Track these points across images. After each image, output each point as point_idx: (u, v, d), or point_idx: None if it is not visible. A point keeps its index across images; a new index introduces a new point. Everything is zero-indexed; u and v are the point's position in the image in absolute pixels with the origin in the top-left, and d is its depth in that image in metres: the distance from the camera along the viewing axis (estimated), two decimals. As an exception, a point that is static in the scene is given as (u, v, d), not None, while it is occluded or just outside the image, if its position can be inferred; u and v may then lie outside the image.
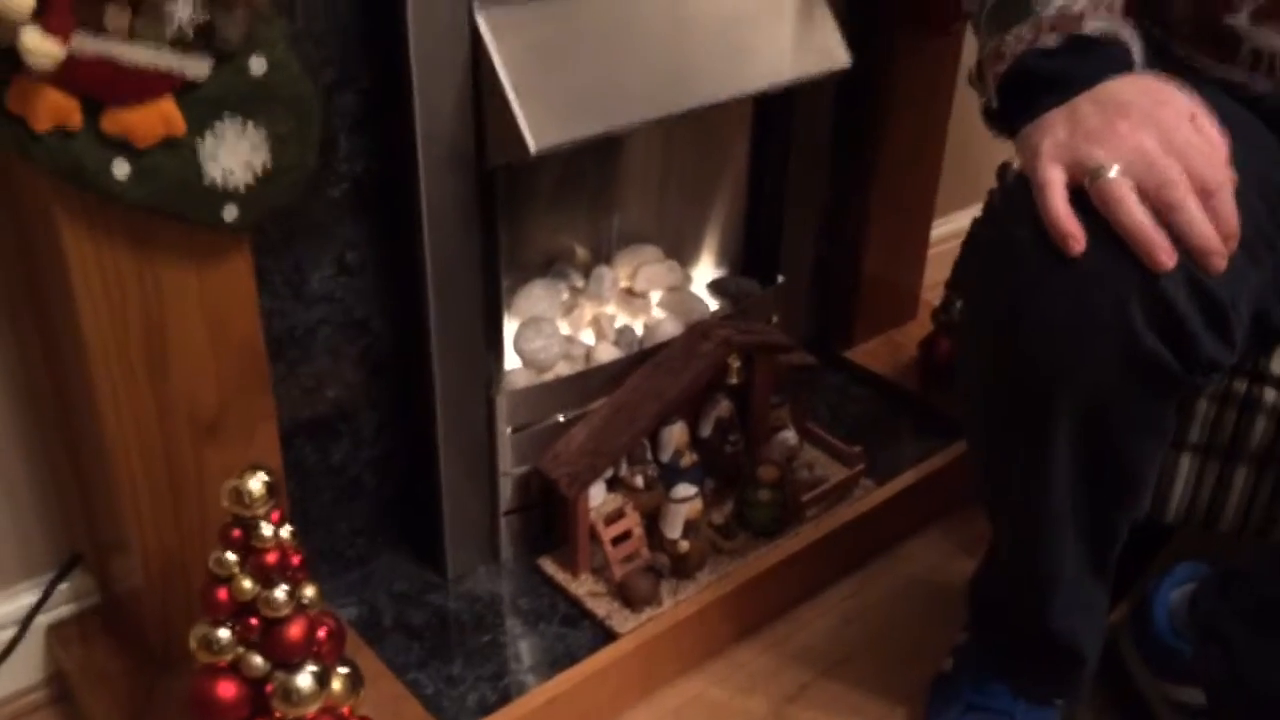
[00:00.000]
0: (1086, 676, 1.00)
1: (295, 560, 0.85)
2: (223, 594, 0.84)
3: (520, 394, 1.11)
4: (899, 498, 1.26)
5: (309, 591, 0.86)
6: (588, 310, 1.21)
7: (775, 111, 1.23)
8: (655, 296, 1.25)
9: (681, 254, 1.30)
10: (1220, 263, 0.72)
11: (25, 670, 1.07)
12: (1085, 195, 0.74)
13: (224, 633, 0.84)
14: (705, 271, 1.32)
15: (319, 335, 1.03)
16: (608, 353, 1.16)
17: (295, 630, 0.85)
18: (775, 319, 1.30)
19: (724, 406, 1.20)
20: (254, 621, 0.85)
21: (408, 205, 0.97)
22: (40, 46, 0.69)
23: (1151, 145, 0.72)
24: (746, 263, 1.32)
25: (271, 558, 0.84)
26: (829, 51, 1.12)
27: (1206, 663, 0.97)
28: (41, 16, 0.69)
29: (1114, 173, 0.72)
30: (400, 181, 0.97)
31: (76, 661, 1.05)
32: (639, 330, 1.21)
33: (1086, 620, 0.96)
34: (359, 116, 0.95)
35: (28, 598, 1.06)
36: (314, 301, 1.01)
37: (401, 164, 0.96)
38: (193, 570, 0.98)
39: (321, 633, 0.88)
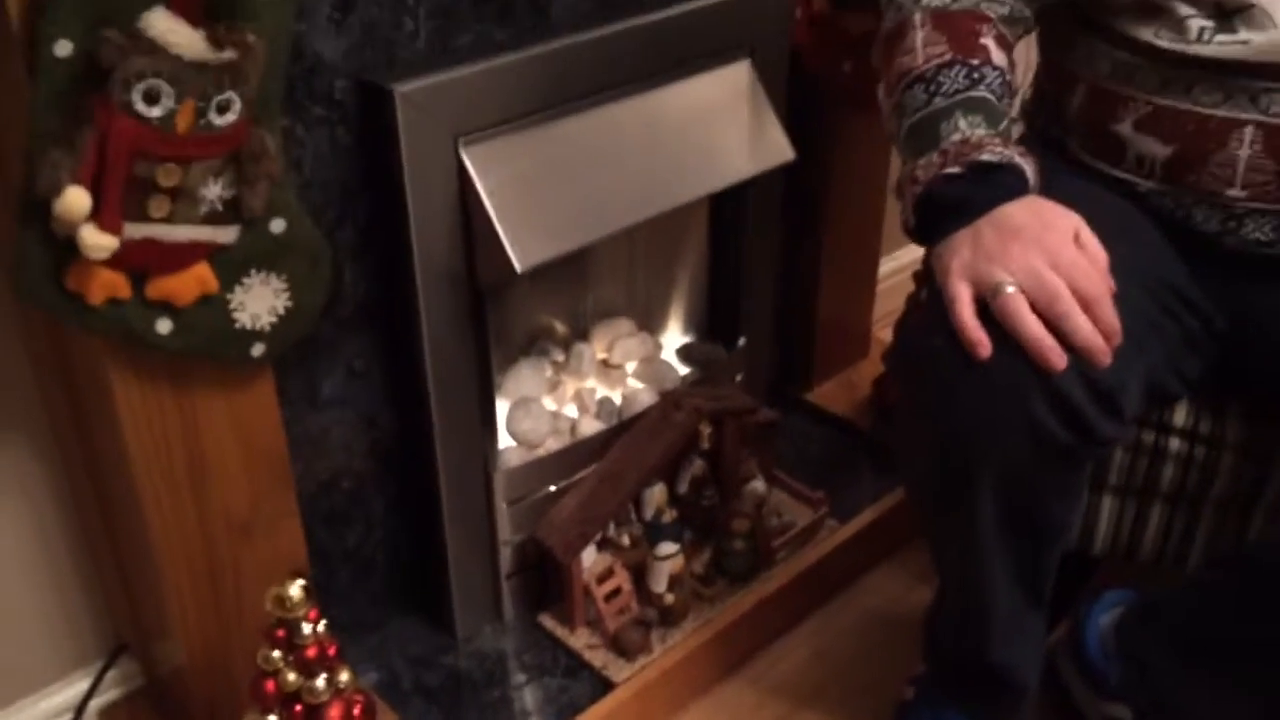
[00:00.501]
0: (1028, 701, 1.14)
1: (331, 651, 0.97)
2: (270, 685, 0.96)
3: (514, 470, 1.23)
4: (860, 535, 1.39)
5: (344, 676, 0.98)
6: (570, 385, 1.33)
7: (730, 191, 1.35)
8: (630, 367, 1.37)
9: (651, 324, 1.42)
10: (1104, 359, 0.85)
11: (80, 749, 1.19)
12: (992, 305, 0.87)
13: (272, 719, 0.96)
14: (674, 339, 1.44)
15: (332, 435, 1.14)
16: (591, 425, 1.29)
17: (335, 713, 0.97)
18: (740, 377, 1.43)
19: (698, 466, 1.33)
20: (298, 708, 0.96)
21: (407, 319, 1.09)
22: (97, 241, 0.80)
23: (1041, 265, 0.85)
24: (711, 328, 1.44)
25: (312, 652, 0.95)
26: (776, 147, 1.25)
27: (1130, 683, 1.11)
28: (96, 215, 0.80)
29: (1011, 289, 0.85)
30: (400, 299, 1.08)
31: (129, 738, 1.17)
32: (618, 400, 1.33)
33: (1024, 651, 1.09)
34: (358, 247, 1.06)
35: (80, 685, 1.17)
36: (326, 406, 1.12)
37: (400, 285, 1.07)
38: (232, 654, 1.09)
39: (356, 710, 1.00)
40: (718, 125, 1.20)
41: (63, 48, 0.76)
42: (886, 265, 1.76)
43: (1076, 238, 0.88)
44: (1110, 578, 1.25)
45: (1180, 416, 1.10)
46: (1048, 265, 0.85)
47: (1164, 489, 1.13)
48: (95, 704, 1.18)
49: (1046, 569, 1.04)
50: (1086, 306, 0.85)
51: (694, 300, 1.43)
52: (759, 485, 1.38)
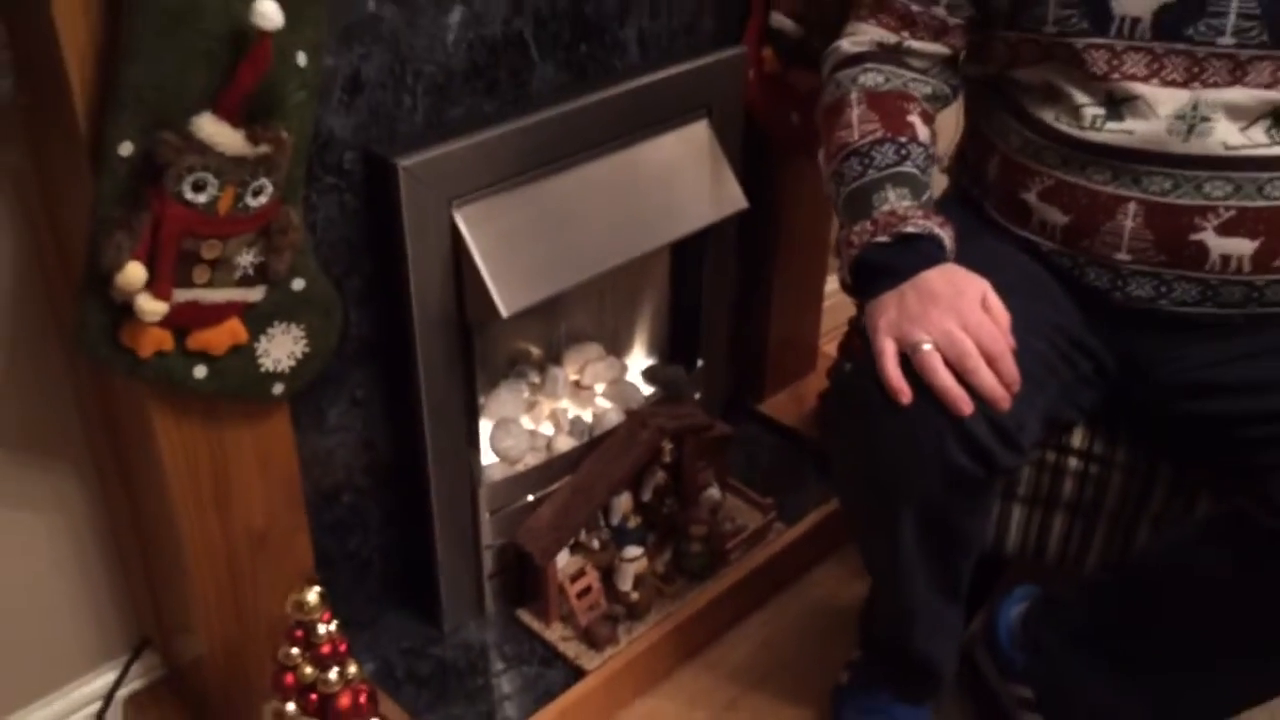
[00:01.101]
0: (946, 683, 1.31)
1: (342, 648, 1.12)
2: (289, 678, 1.10)
3: (496, 484, 1.38)
4: (805, 537, 1.56)
5: (352, 669, 1.13)
6: (545, 406, 1.48)
7: (689, 230, 1.50)
8: (599, 388, 1.52)
9: (619, 349, 1.58)
10: (1004, 405, 1.02)
11: (109, 733, 1.33)
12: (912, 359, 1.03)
13: (291, 706, 1.11)
14: (639, 361, 1.59)
15: (336, 455, 1.29)
16: (564, 442, 1.44)
17: (344, 700, 1.12)
18: (698, 395, 1.58)
19: (660, 477, 1.48)
20: (314, 697, 1.11)
21: (404, 355, 1.24)
22: (152, 308, 0.94)
23: (953, 326, 1.01)
24: (672, 351, 1.60)
25: (325, 649, 1.10)
26: (731, 197, 1.40)
27: (1032, 667, 1.28)
28: (151, 285, 0.94)
29: (928, 347, 1.01)
30: (398, 338, 1.23)
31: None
32: (588, 419, 1.49)
33: (943, 644, 1.26)
34: (363, 295, 1.20)
35: (108, 675, 1.31)
36: (332, 431, 1.27)
37: (399, 326, 1.22)
38: (247, 647, 1.24)
39: (362, 699, 1.15)
40: (680, 179, 1.35)
41: (125, 148, 0.90)
42: (831, 284, 1.92)
43: (984, 301, 1.04)
44: (1021, 576, 1.42)
45: (1078, 439, 1.26)
46: (959, 326, 1.01)
47: (1064, 500, 1.30)
48: (122, 693, 1.32)
49: (961, 574, 1.21)
50: (990, 361, 1.02)
51: (657, 326, 1.59)
52: (714, 493, 1.54)
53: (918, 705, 1.32)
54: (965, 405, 1.00)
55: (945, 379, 1.01)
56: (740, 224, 1.54)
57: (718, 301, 1.57)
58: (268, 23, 0.88)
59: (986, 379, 1.01)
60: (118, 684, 1.31)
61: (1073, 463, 1.27)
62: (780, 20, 1.43)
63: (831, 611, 1.52)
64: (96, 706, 1.31)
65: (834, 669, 1.40)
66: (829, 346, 1.88)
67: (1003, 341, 1.02)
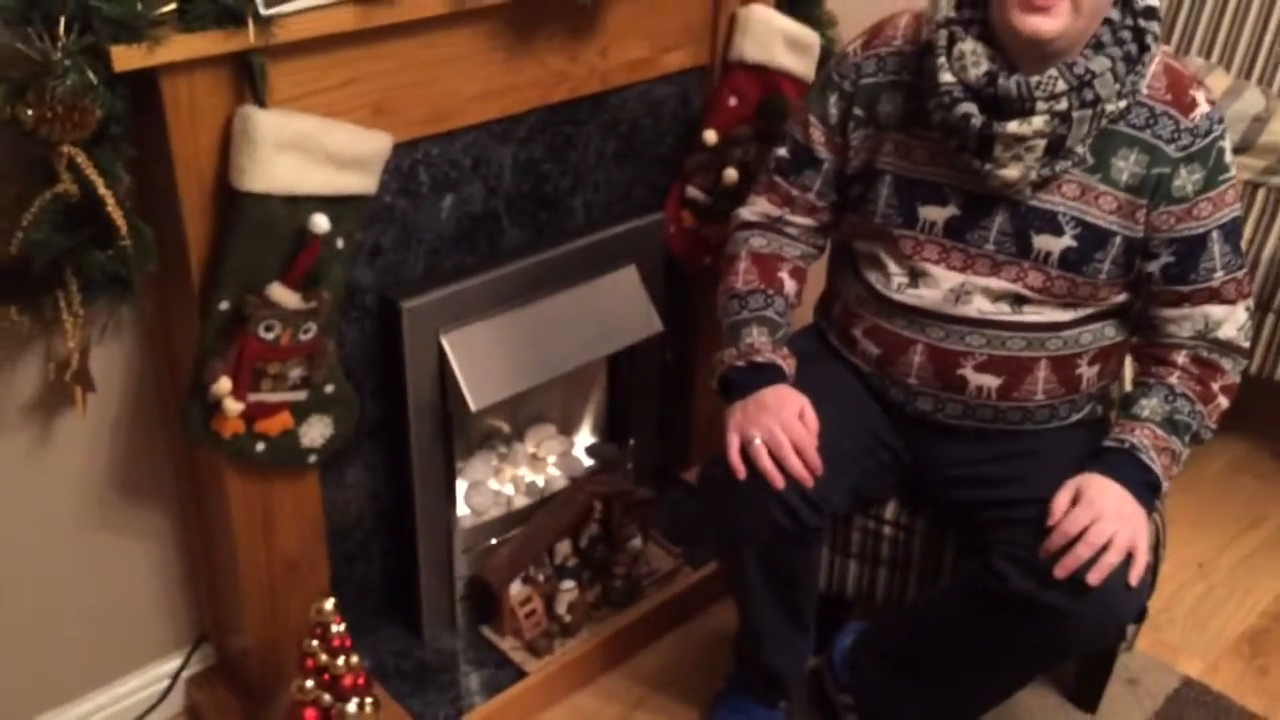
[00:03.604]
0: (794, 691, 1.77)
1: (348, 644, 1.59)
2: (310, 663, 1.57)
3: (468, 530, 1.85)
4: (705, 579, 2.01)
5: (354, 660, 1.59)
6: (508, 471, 1.96)
7: (624, 341, 1.98)
8: (551, 459, 2.00)
9: (568, 429, 2.06)
10: (808, 483, 1.47)
11: (173, 706, 1.79)
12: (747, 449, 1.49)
13: (310, 683, 1.57)
14: (584, 439, 2.07)
15: (350, 505, 1.76)
16: (521, 500, 1.91)
17: (348, 680, 1.58)
18: (629, 466, 2.05)
19: (594, 528, 1.95)
20: (326, 677, 1.58)
21: (402, 434, 1.71)
22: (233, 406, 1.42)
23: (775, 427, 1.48)
24: (610, 431, 2.08)
25: (336, 643, 1.56)
26: (651, 322, 1.89)
27: (852, 680, 1.74)
28: (233, 392, 1.42)
29: (758, 441, 1.48)
30: (398, 422, 1.71)
31: (206, 700, 1.77)
32: (541, 483, 1.96)
33: (788, 659, 1.72)
34: (375, 391, 1.68)
35: (174, 661, 1.78)
36: (348, 487, 1.74)
37: (399, 414, 1.69)
38: (280, 644, 1.70)
39: (360, 680, 1.61)
40: (613, 310, 1.84)
41: (224, 304, 1.39)
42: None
43: (801, 413, 1.51)
44: (863, 613, 1.88)
45: (890, 512, 1.72)
46: (780, 428, 1.48)
47: (884, 558, 1.76)
48: (184, 675, 1.79)
49: (801, 608, 1.67)
50: (799, 453, 1.48)
51: (598, 414, 2.07)
52: (636, 542, 2.00)
53: (771, 708, 1.78)
54: (778, 481, 1.47)
55: (766, 463, 1.47)
56: (671, 334, 2.01)
57: (645, 396, 2.04)
58: (319, 229, 1.37)
59: (794, 464, 1.47)
60: (182, 668, 1.78)
61: (887, 530, 1.73)
62: (694, 192, 1.92)
63: (722, 638, 1.97)
64: (165, 684, 1.77)
65: (719, 680, 1.86)
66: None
67: (808, 440, 1.48)
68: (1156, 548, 1.64)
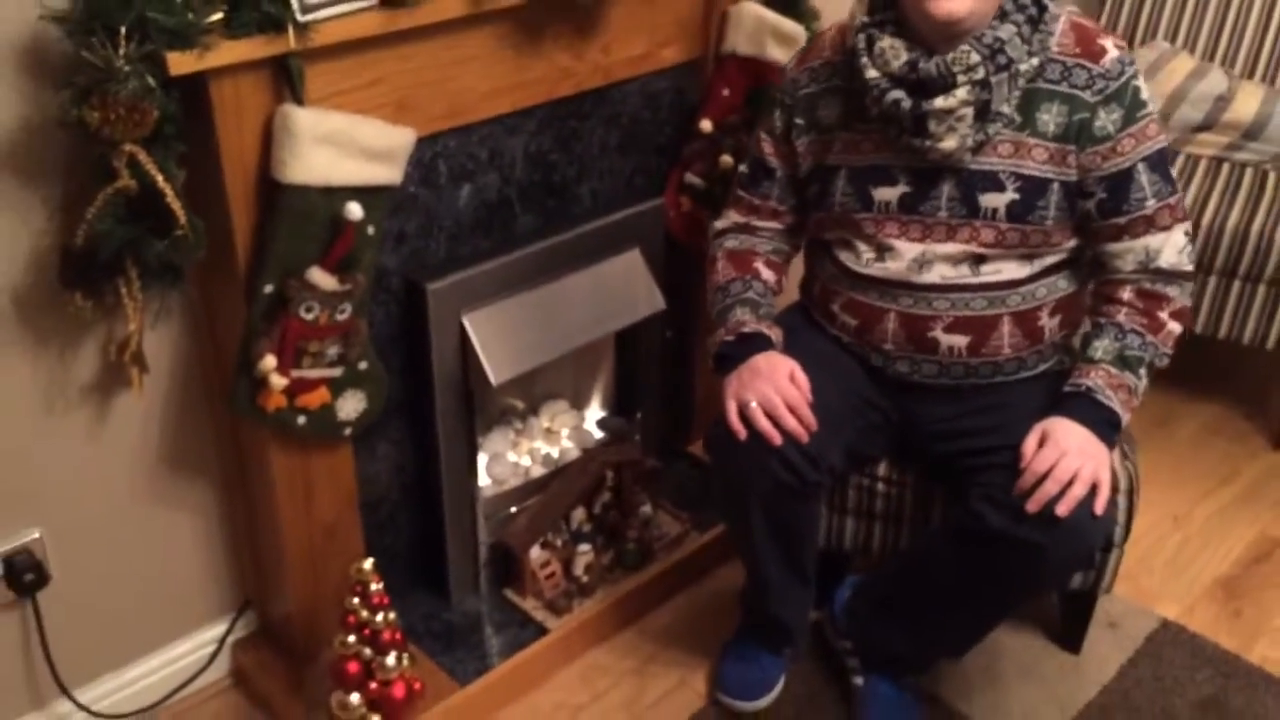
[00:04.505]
0: (798, 638, 1.90)
1: (386, 601, 1.71)
2: (351, 619, 1.70)
3: (489, 499, 1.98)
4: (711, 542, 2.15)
5: (391, 616, 1.72)
6: (525, 444, 2.09)
7: (630, 320, 2.11)
8: (565, 432, 2.13)
9: (579, 403, 2.19)
10: (803, 438, 1.60)
11: (220, 669, 1.92)
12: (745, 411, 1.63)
13: (352, 638, 1.70)
14: (594, 413, 2.20)
15: (380, 476, 1.89)
16: (538, 471, 2.05)
17: (386, 635, 1.71)
18: (637, 438, 2.19)
19: (606, 496, 2.08)
20: (366, 632, 1.71)
21: (427, 409, 1.84)
22: (277, 382, 1.55)
23: (769, 390, 1.61)
24: (618, 405, 2.21)
25: (374, 600, 1.70)
26: (654, 301, 2.02)
27: (849, 626, 1.87)
28: (278, 368, 1.55)
29: (754, 404, 1.61)
30: (425, 398, 1.84)
31: (251, 660, 1.90)
32: (556, 454, 2.09)
33: (792, 608, 1.85)
34: (402, 369, 1.81)
35: (221, 626, 1.91)
36: (378, 459, 1.87)
37: (425, 390, 1.82)
38: (318, 608, 1.83)
39: (398, 635, 1.74)
40: (618, 290, 1.97)
41: (268, 288, 1.52)
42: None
43: (791, 375, 1.64)
44: (860, 568, 2.01)
45: (882, 469, 1.86)
46: (773, 391, 1.62)
47: (878, 512, 1.89)
48: (230, 638, 1.92)
49: (802, 561, 1.80)
50: (793, 410, 1.61)
51: (607, 389, 2.20)
52: (646, 509, 2.13)
53: (776, 654, 1.91)
54: (775, 438, 1.60)
55: (763, 423, 1.61)
56: (672, 314, 2.14)
57: (650, 371, 2.18)
58: (353, 216, 1.51)
59: (789, 421, 1.61)
60: (228, 631, 1.91)
61: (880, 486, 1.87)
62: (692, 178, 2.05)
63: (727, 595, 2.10)
64: (212, 649, 1.90)
65: (726, 634, 1.99)
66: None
67: (800, 399, 1.62)
68: (1131, 494, 1.78)
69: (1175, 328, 1.66)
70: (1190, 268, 1.67)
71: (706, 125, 2.01)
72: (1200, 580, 2.21)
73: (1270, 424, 2.60)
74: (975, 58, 1.52)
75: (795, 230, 1.82)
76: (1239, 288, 2.42)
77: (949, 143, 1.56)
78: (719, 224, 1.85)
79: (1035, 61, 1.55)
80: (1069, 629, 2.02)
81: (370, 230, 1.57)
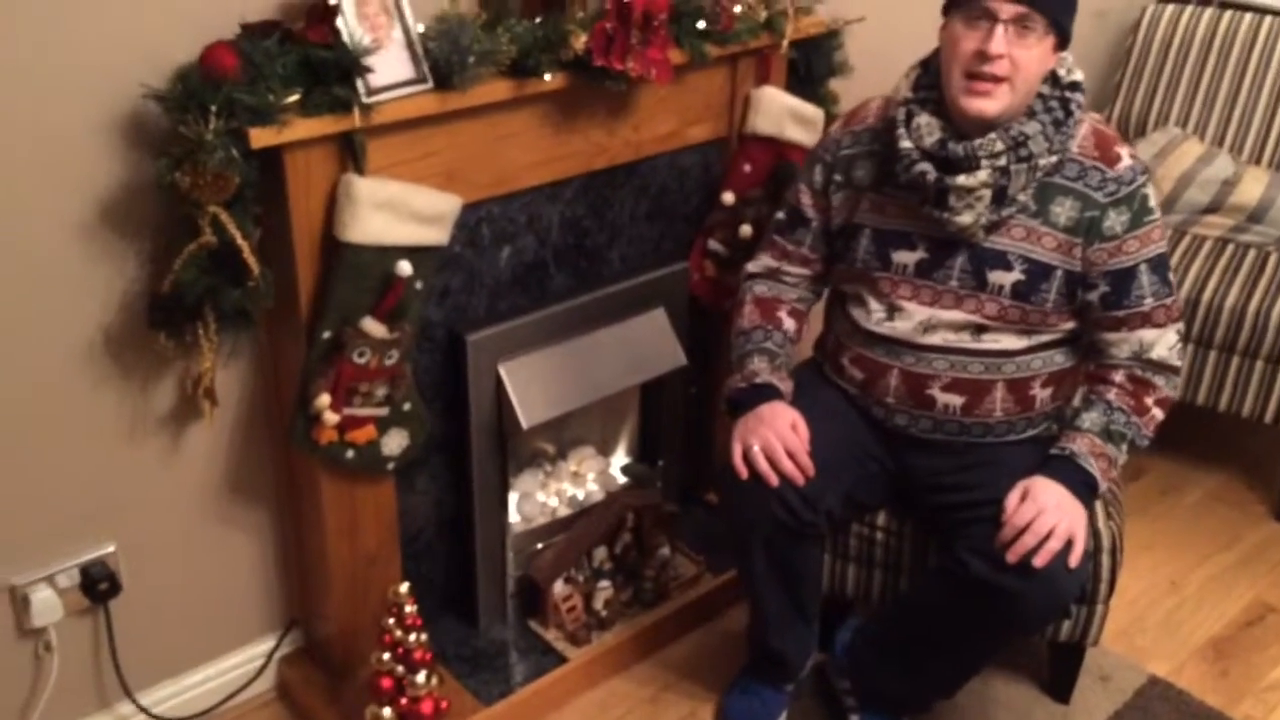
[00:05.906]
0: (798, 675, 2.03)
1: (419, 623, 1.88)
2: (388, 638, 1.86)
3: (518, 535, 2.14)
4: (724, 584, 2.29)
5: (424, 637, 1.88)
6: (553, 486, 2.26)
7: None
8: (590, 476, 2.30)
9: (605, 449, 2.35)
10: (800, 482, 1.75)
11: (266, 681, 2.09)
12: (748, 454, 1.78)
13: (387, 655, 1.87)
14: (619, 459, 2.37)
15: (419, 510, 2.06)
16: (564, 511, 2.21)
17: (418, 654, 1.87)
18: (659, 484, 2.34)
19: (627, 537, 2.24)
20: (400, 651, 1.87)
21: (464, 448, 2.02)
22: (331, 418, 1.74)
23: (771, 436, 1.77)
24: (641, 452, 2.37)
25: (409, 621, 1.86)
26: (676, 357, 2.19)
27: (850, 665, 2.00)
28: (331, 406, 1.73)
29: (756, 448, 1.77)
30: (461, 438, 2.01)
31: (295, 675, 2.07)
32: (581, 496, 2.26)
33: (793, 644, 1.99)
34: (442, 412, 1.99)
35: (269, 642, 2.08)
36: (418, 494, 2.05)
37: (462, 431, 2.00)
38: (358, 630, 2.00)
39: (429, 656, 1.90)
40: (643, 346, 2.15)
41: (326, 333, 1.71)
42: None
43: (793, 424, 1.80)
44: (862, 611, 2.14)
45: (882, 519, 2.00)
46: (775, 437, 1.77)
47: (878, 560, 2.02)
48: (277, 655, 2.09)
49: (803, 598, 1.94)
50: (791, 456, 1.77)
51: (632, 435, 2.36)
52: (665, 550, 2.28)
53: (778, 689, 2.05)
54: (772, 479, 1.76)
55: (763, 465, 1.76)
56: (695, 370, 2.31)
57: (672, 422, 2.34)
58: (403, 273, 1.70)
59: (787, 466, 1.76)
60: (275, 648, 2.08)
61: (879, 535, 2.00)
62: (714, 245, 2.23)
63: (738, 635, 2.24)
64: (260, 663, 2.07)
65: (734, 671, 2.13)
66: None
67: (799, 446, 1.77)
68: (1114, 552, 1.91)
69: (1159, 414, 1.80)
70: (1179, 363, 1.81)
71: (729, 198, 2.18)
72: (1192, 640, 2.31)
73: (1272, 494, 2.71)
74: (1000, 146, 1.67)
75: (821, 278, 1.98)
76: (1238, 362, 2.54)
77: (965, 218, 1.71)
78: (751, 266, 2.01)
79: (1054, 158, 1.70)
80: (1057, 679, 2.13)
81: (418, 285, 1.76)
